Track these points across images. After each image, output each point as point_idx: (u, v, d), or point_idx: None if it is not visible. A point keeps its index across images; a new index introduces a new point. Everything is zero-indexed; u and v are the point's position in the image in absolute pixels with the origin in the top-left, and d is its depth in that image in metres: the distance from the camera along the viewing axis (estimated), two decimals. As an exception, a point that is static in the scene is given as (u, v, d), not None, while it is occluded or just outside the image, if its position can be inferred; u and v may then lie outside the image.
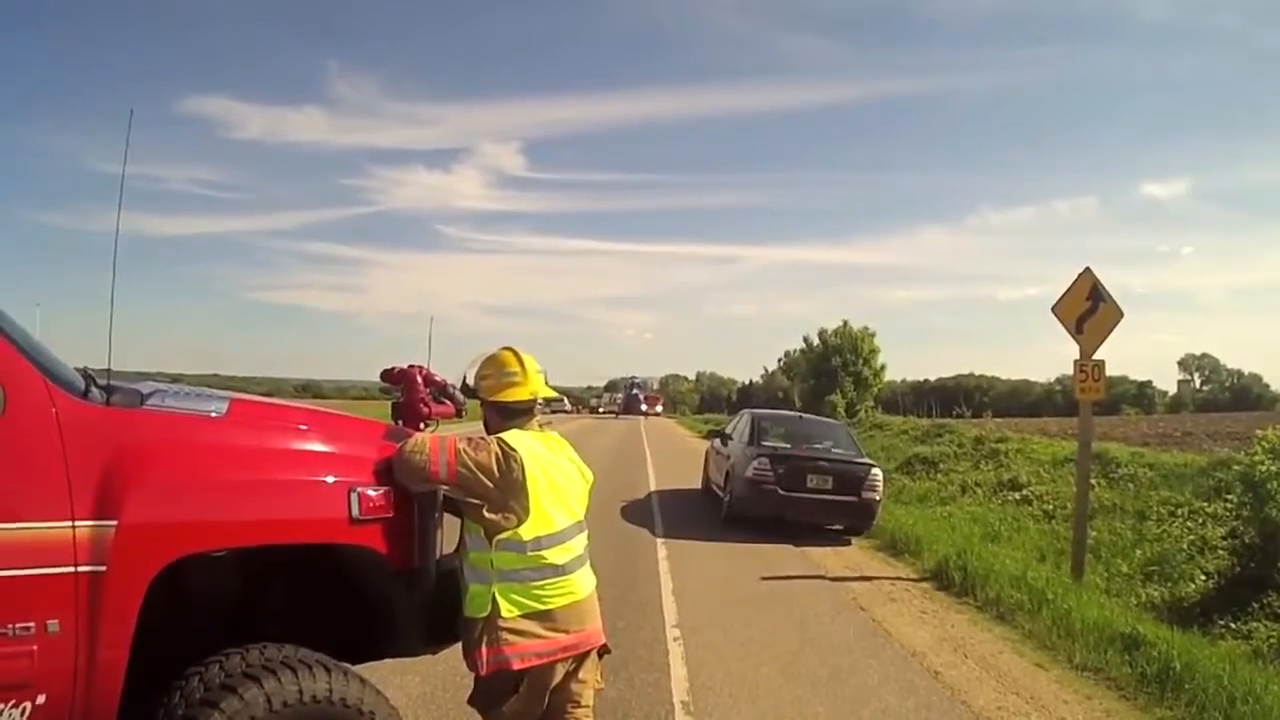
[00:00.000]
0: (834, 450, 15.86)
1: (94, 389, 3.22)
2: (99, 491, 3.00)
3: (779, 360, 77.30)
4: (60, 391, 3.06)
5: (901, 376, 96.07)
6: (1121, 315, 11.43)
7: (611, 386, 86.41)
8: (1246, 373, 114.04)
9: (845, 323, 57.11)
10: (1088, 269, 11.51)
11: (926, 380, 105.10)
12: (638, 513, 15.78)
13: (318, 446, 3.74)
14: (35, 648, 2.90)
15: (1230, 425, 20.93)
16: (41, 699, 2.94)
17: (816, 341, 57.70)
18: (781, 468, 14.61)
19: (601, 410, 79.83)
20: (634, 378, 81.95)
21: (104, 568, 2.97)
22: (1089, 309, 11.38)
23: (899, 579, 11.91)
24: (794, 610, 9.78)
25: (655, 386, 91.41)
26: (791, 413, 22.07)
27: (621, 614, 4.80)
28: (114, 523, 2.99)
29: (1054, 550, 13.58)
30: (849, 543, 14.55)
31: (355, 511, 3.63)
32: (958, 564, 11.53)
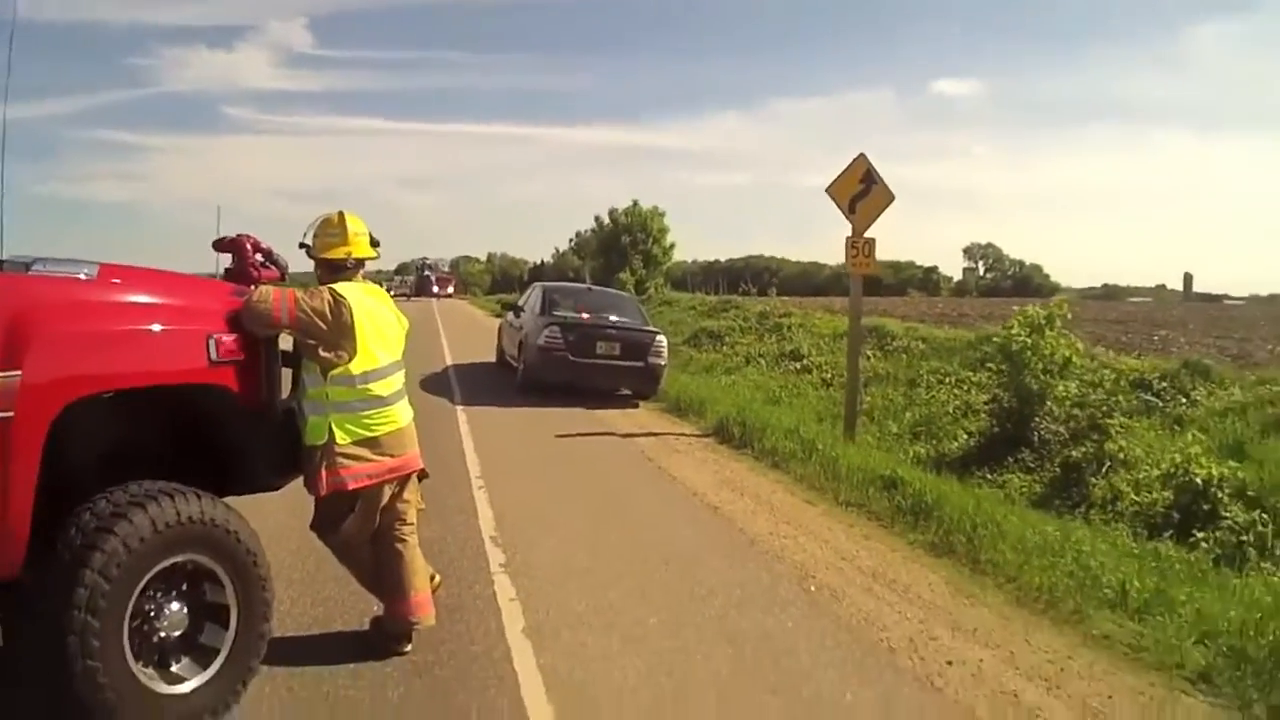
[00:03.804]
0: (621, 320, 16.60)
1: None
2: (3, 346, 3.43)
3: (570, 240, 77.14)
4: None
5: (694, 257, 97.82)
6: (893, 197, 12.16)
7: (403, 269, 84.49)
8: (1028, 263, 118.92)
9: (635, 202, 57.38)
10: (862, 154, 12.15)
11: (718, 261, 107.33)
12: (436, 384, 16.29)
13: (177, 300, 4.26)
14: (-48, 486, 3.33)
15: (1004, 309, 22.59)
16: (-39, 526, 3.38)
17: (607, 221, 58.05)
18: (571, 335, 15.28)
19: (393, 293, 77.09)
20: (425, 259, 79.92)
21: (11, 413, 3.42)
22: (862, 190, 12.03)
23: (683, 434, 12.85)
24: (586, 461, 10.65)
25: (447, 268, 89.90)
26: (581, 285, 22.68)
27: (429, 469, 5.33)
28: (18, 373, 3.43)
29: (830, 414, 14.65)
30: (637, 405, 15.38)
31: (213, 355, 4.20)
32: (737, 420, 12.56)
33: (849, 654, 5.36)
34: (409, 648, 4.92)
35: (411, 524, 5.07)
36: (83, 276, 3.88)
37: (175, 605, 3.96)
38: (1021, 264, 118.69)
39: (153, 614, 3.87)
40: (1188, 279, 73.20)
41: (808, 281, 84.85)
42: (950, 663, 5.31)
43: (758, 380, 18.94)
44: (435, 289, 66.39)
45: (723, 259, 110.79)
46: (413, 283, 68.05)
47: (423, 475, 5.23)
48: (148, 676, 3.78)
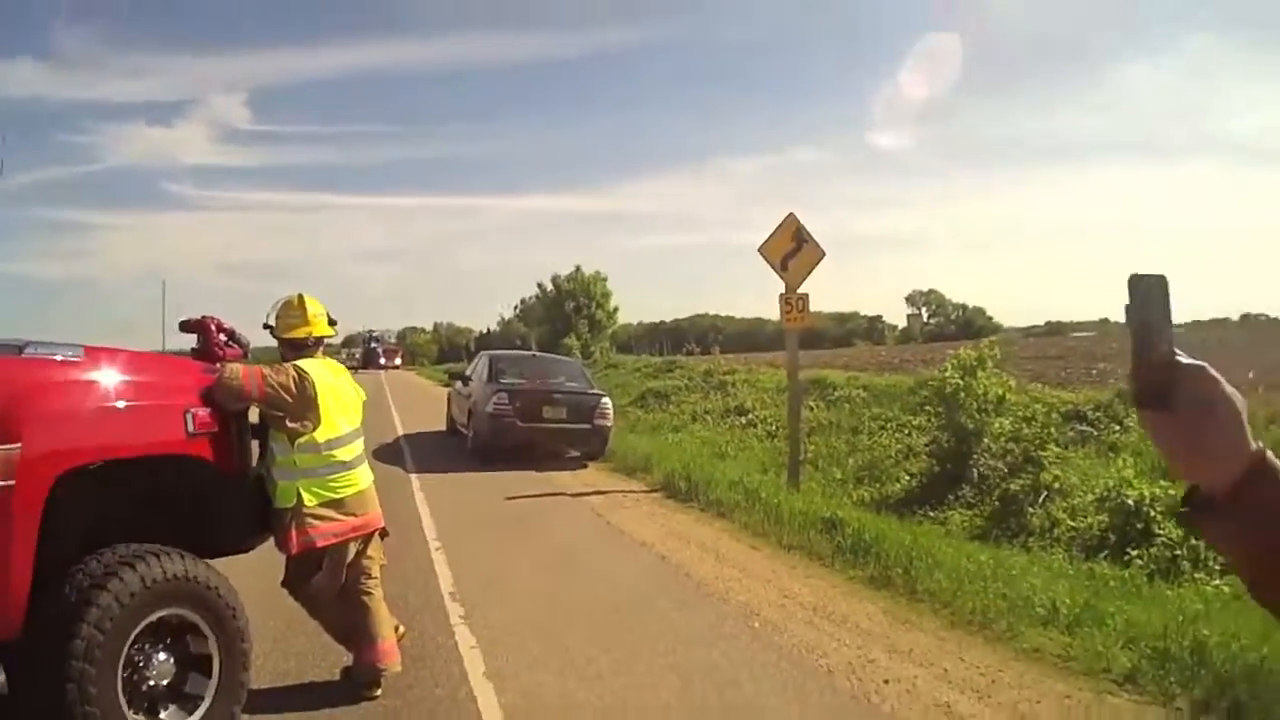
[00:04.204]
0: (567, 384, 17.06)
1: None
2: (3, 422, 3.78)
3: (515, 307, 77.30)
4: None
5: (638, 319, 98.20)
6: (823, 254, 12.59)
7: (349, 341, 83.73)
8: (971, 306, 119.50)
9: (578, 268, 58.09)
10: (791, 214, 12.65)
11: (663, 322, 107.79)
12: (389, 454, 16.52)
13: (156, 378, 4.69)
14: (-35, 548, 3.67)
15: (945, 353, 23.16)
16: (-32, 587, 3.71)
17: (550, 288, 58.60)
18: (519, 401, 15.69)
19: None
20: (372, 331, 79.64)
21: (13, 482, 3.77)
22: (794, 248, 12.48)
23: (631, 491, 13.25)
24: (538, 520, 11.01)
25: (394, 339, 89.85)
26: (526, 352, 23.04)
27: (386, 542, 5.80)
28: (18, 446, 3.78)
29: (775, 464, 15.12)
30: (586, 466, 15.75)
31: (190, 428, 4.62)
32: (683, 475, 12.99)
33: (790, 679, 5.76)
34: (379, 693, 5.27)
35: (375, 578, 5.47)
36: (71, 357, 4.24)
37: (162, 656, 4.31)
38: (964, 307, 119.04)
39: (142, 664, 4.21)
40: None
41: (752, 338, 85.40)
42: (887, 681, 5.73)
43: (704, 436, 19.40)
44: (383, 360, 66.27)
45: (668, 319, 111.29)
46: (360, 355, 67.49)
47: (384, 533, 5.67)
48: None
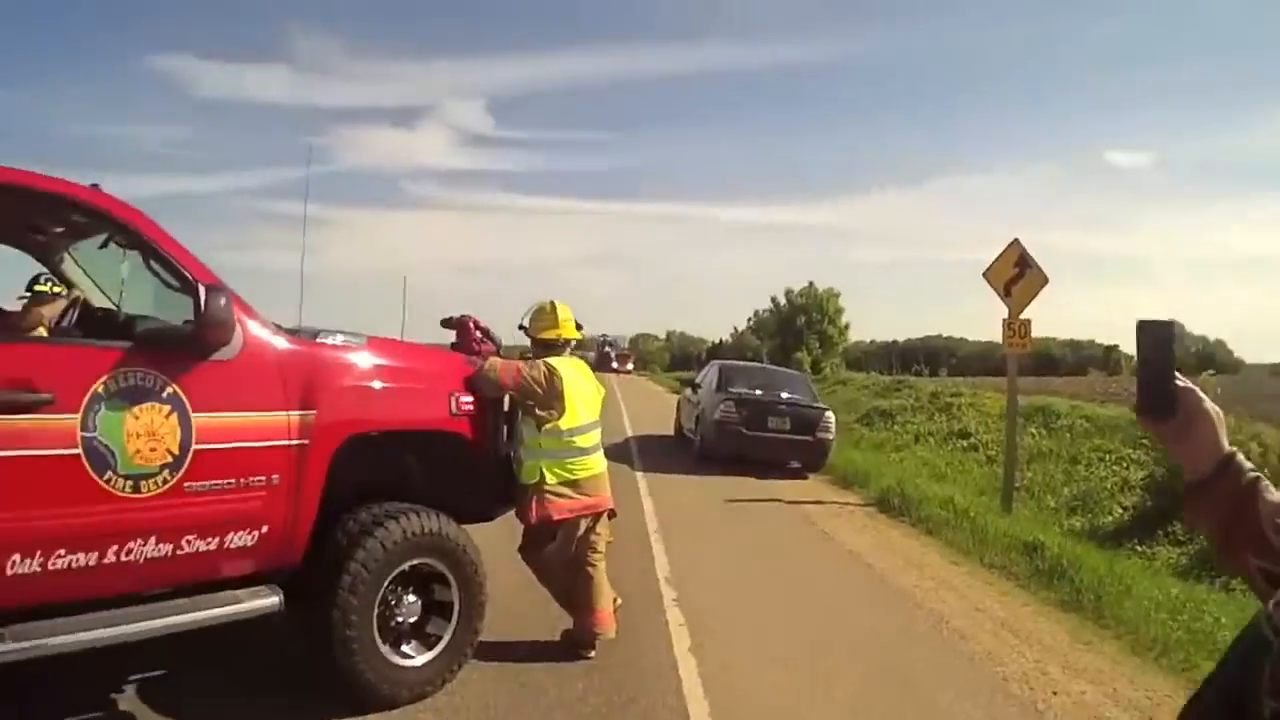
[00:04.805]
0: (792, 396, 17.52)
1: (285, 332, 4.88)
2: (302, 394, 4.66)
3: (748, 320, 77.40)
4: (271, 333, 4.71)
5: (871, 337, 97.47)
6: (1046, 280, 12.71)
7: (583, 344, 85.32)
8: (1212, 339, 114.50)
9: (811, 284, 58.21)
10: (1016, 240, 12.83)
11: (896, 341, 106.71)
12: (618, 453, 17.18)
13: (427, 366, 5.59)
14: (265, 493, 4.55)
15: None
16: (266, 528, 4.59)
17: (784, 301, 58.87)
18: (745, 410, 16.28)
19: None
20: (605, 336, 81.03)
21: (307, 441, 4.66)
22: (1016, 274, 12.66)
23: (846, 504, 13.67)
24: (753, 522, 11.60)
25: (625, 345, 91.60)
26: (755, 364, 23.53)
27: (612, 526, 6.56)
28: (314, 412, 4.67)
29: (991, 488, 15.21)
30: (805, 477, 16.23)
31: (454, 409, 5.46)
32: (897, 491, 13.35)
33: (966, 682, 6.20)
34: (593, 654, 6.01)
35: (601, 553, 6.21)
36: (355, 344, 5.11)
37: (411, 598, 5.19)
38: (1205, 340, 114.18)
39: (394, 603, 5.09)
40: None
41: (985, 361, 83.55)
42: (1055, 693, 6.09)
43: (924, 457, 19.53)
44: (615, 364, 67.46)
45: (900, 339, 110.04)
46: (593, 358, 68.54)
47: (612, 514, 6.38)
48: (387, 650, 4.98)
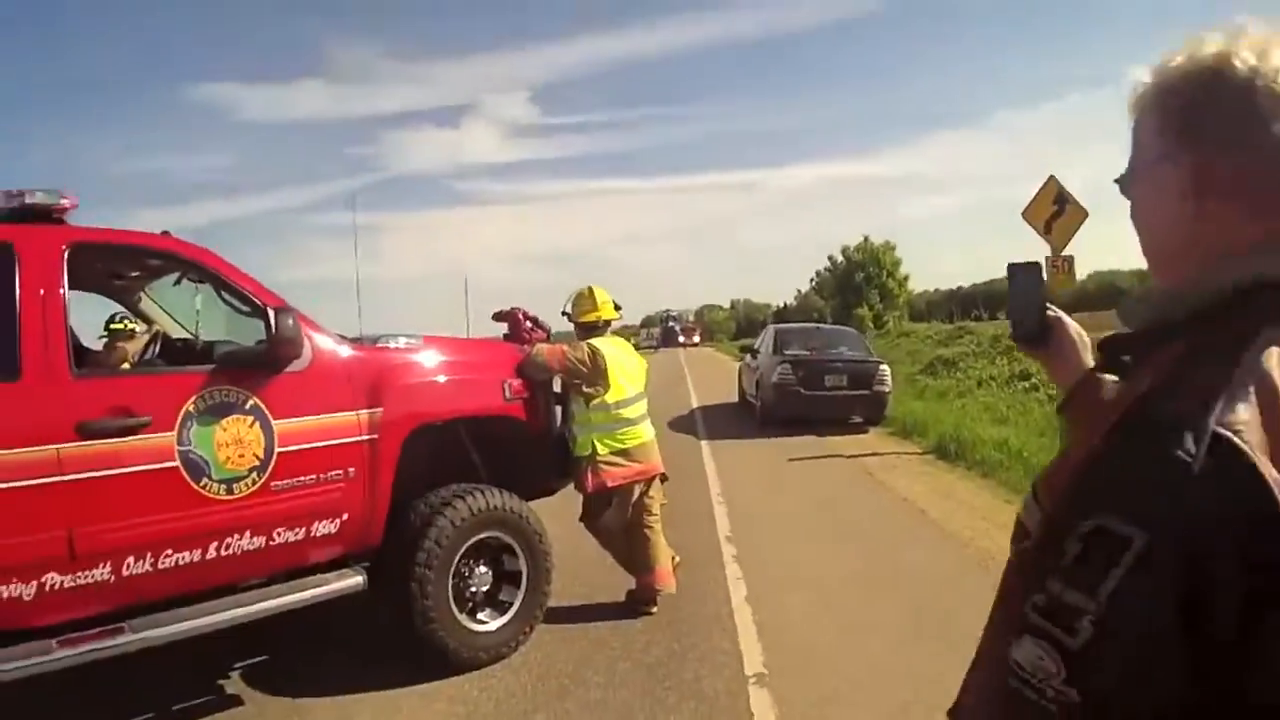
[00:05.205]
0: (847, 353, 17.90)
1: (348, 340, 5.44)
2: (369, 394, 5.23)
3: (811, 280, 76.73)
4: (335, 343, 5.28)
5: (936, 286, 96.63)
6: (1086, 214, 12.72)
7: (648, 322, 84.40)
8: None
9: (866, 238, 58.07)
10: (1052, 177, 12.85)
11: (960, 288, 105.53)
12: (683, 423, 17.96)
13: (479, 358, 6.18)
14: (343, 485, 5.13)
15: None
16: (346, 516, 5.17)
17: (840, 259, 58.73)
18: (801, 371, 16.72)
19: (640, 345, 76.65)
20: (669, 311, 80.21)
21: (376, 436, 5.23)
22: (1056, 211, 12.69)
23: (905, 454, 14.06)
24: (813, 477, 12.11)
25: (690, 318, 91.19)
26: (809, 325, 23.76)
27: (676, 490, 6.99)
28: (381, 408, 5.24)
29: (1051, 428, 15.38)
30: (866, 431, 16.59)
31: (507, 395, 6.03)
32: (953, 438, 13.68)
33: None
34: (654, 610, 6.52)
35: (656, 514, 6.71)
36: (413, 344, 5.67)
37: (483, 569, 5.78)
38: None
39: (467, 574, 5.69)
40: None
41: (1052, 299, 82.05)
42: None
43: (987, 402, 19.58)
44: (681, 339, 67.27)
45: (966, 285, 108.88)
46: (658, 334, 68.14)
47: (664, 478, 6.88)
48: (463, 618, 5.59)
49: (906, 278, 57.18)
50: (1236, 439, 0.91)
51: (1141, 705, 0.91)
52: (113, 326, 6.39)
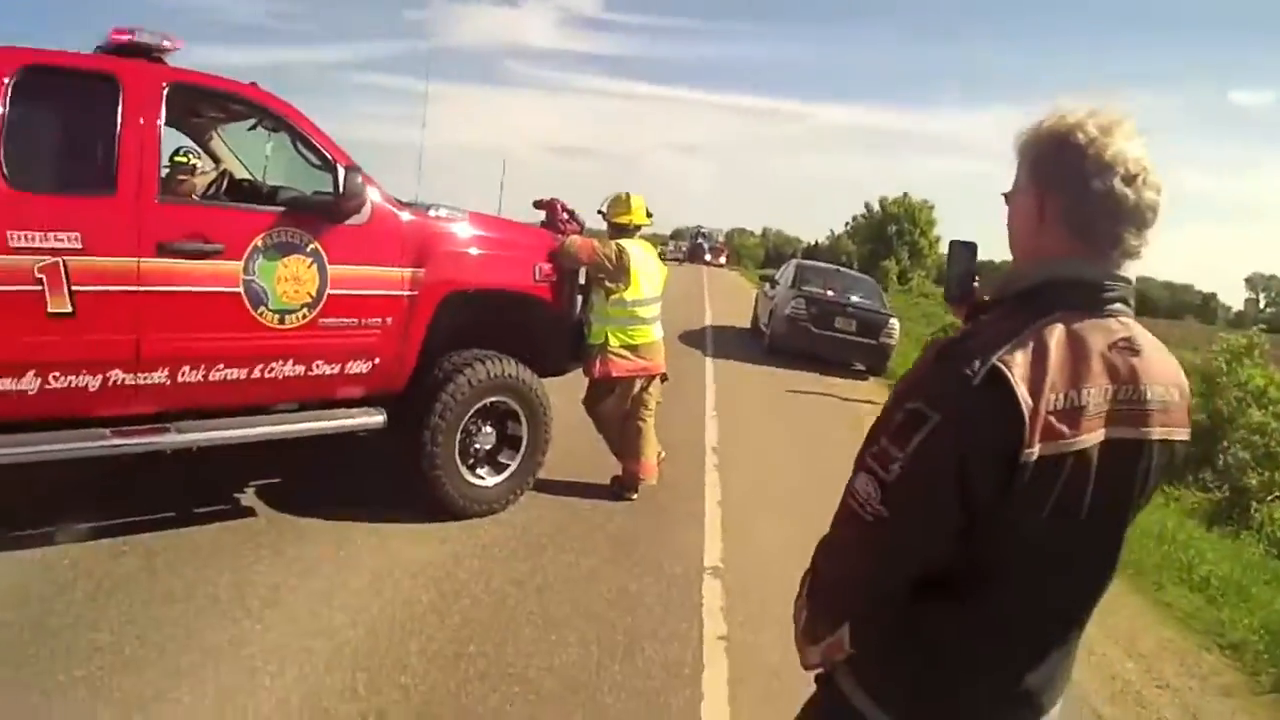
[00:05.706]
0: (862, 300, 18.11)
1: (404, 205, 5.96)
2: (415, 255, 5.77)
3: (846, 224, 76.01)
4: (393, 207, 5.79)
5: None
6: None
7: (678, 234, 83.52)
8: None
9: (906, 194, 57.63)
10: None
11: (991, 261, 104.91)
12: (693, 338, 18.39)
13: (516, 238, 6.70)
14: (381, 332, 5.70)
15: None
16: (378, 360, 5.76)
17: (877, 208, 58.39)
18: (815, 308, 17.05)
19: (667, 256, 75.31)
20: (700, 227, 79.35)
21: (416, 293, 5.79)
22: None
23: (899, 405, 14.43)
24: (806, 412, 12.72)
25: (721, 238, 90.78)
26: (831, 266, 23.98)
27: (674, 396, 7.46)
28: (423, 270, 5.79)
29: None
30: (867, 379, 17.04)
31: (537, 276, 6.56)
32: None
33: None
34: (635, 497, 7.17)
35: (651, 410, 7.25)
36: (460, 217, 6.20)
37: (488, 429, 6.37)
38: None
39: (474, 432, 6.28)
40: None
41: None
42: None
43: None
44: (708, 256, 66.54)
45: (995, 259, 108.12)
46: (686, 248, 67.33)
47: (664, 378, 7.39)
48: (465, 471, 6.21)
49: (938, 239, 56.84)
50: (1006, 370, 1.50)
51: (922, 519, 1.61)
52: (176, 159, 6.71)
